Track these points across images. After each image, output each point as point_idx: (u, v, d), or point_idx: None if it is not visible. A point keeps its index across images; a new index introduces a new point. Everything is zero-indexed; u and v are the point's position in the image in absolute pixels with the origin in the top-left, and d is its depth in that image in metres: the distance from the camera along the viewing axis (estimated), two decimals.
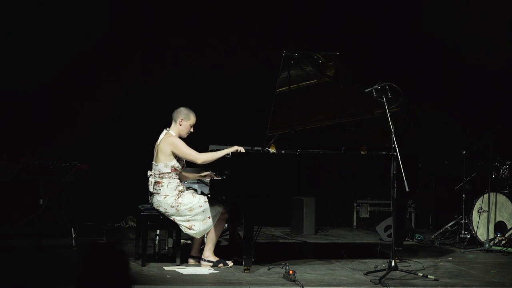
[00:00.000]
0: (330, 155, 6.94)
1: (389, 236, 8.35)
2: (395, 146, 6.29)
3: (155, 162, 6.68)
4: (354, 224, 9.88)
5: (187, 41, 9.69)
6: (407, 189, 6.20)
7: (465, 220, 8.43)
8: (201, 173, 7.05)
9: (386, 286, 5.98)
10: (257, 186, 6.55)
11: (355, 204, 9.87)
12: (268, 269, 6.53)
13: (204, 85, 9.54)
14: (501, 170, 8.24)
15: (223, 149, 6.74)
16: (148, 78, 9.52)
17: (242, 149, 6.66)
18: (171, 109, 6.76)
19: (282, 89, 6.92)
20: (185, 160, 6.72)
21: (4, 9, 9.01)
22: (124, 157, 9.20)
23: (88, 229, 8.74)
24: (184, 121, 6.71)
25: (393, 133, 6.33)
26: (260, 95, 7.97)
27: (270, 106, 6.87)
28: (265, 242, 8.40)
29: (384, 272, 6.20)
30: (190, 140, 6.75)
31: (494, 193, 8.09)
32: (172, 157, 6.62)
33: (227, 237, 7.81)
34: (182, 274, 6.33)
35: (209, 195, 6.67)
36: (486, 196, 8.07)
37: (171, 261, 6.78)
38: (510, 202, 7.99)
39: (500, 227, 8.06)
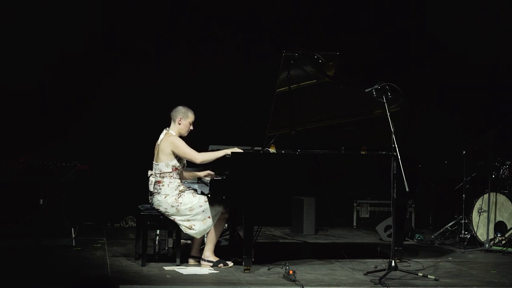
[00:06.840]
0: (330, 155, 6.94)
1: (389, 236, 8.35)
2: (395, 146, 6.29)
3: (156, 162, 6.67)
4: (354, 224, 9.87)
5: (187, 41, 9.68)
6: (407, 189, 6.20)
7: (465, 220, 8.43)
8: (201, 172, 7.05)
9: (386, 286, 5.98)
10: (257, 186, 6.55)
11: (355, 204, 9.86)
12: (268, 269, 6.53)
13: (204, 85, 9.53)
14: (501, 170, 8.24)
15: (223, 149, 6.74)
16: (148, 77, 9.51)
17: (240, 151, 6.65)
18: (171, 109, 6.76)
19: (282, 89, 6.91)
20: (186, 160, 6.73)
21: (3, 8, 9.00)
22: (124, 157, 9.19)
23: (88, 229, 8.75)
24: (183, 119, 6.70)
25: (393, 133, 6.33)
26: (260, 95, 7.96)
27: (270, 106, 6.86)
28: (265, 242, 8.40)
29: (384, 272, 6.20)
30: (190, 140, 6.75)
31: (494, 193, 8.09)
32: (172, 156, 6.62)
33: (227, 237, 7.81)
34: (182, 274, 6.33)
35: (209, 195, 6.67)
36: (486, 196, 8.07)
37: (171, 261, 6.77)
38: (510, 202, 7.99)
39: (500, 227, 8.06)
